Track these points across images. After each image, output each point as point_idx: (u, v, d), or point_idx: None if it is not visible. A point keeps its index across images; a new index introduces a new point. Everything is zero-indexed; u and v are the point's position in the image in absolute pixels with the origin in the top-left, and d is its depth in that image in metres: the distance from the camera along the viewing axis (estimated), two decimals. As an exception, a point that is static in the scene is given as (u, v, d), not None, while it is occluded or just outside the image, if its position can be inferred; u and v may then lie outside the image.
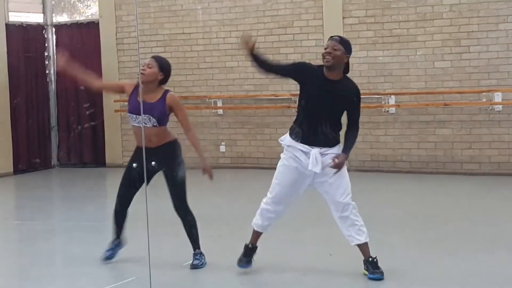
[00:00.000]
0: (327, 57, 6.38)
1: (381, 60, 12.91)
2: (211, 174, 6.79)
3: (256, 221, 6.67)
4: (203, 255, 6.93)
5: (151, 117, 6.73)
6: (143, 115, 6.66)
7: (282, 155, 6.53)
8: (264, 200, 6.58)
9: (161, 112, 6.77)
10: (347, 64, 6.44)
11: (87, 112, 15.23)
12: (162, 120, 6.80)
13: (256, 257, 6.73)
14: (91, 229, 9.05)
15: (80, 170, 15.03)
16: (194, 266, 6.87)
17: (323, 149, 6.31)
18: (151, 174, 6.81)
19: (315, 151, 6.27)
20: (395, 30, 12.80)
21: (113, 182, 14.03)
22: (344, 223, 6.40)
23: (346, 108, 6.40)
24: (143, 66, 6.81)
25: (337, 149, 6.36)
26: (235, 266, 6.77)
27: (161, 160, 6.75)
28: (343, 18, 13.12)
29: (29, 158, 14.98)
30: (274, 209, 6.52)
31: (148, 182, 6.55)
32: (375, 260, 6.41)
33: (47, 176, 14.71)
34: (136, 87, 6.86)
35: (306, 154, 6.31)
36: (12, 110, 14.53)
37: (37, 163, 15.12)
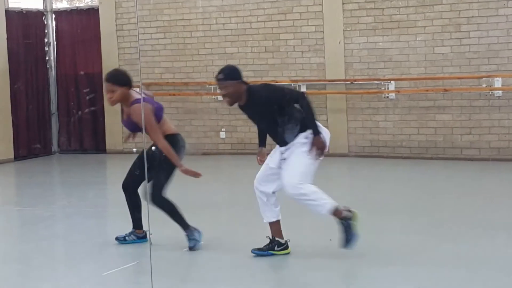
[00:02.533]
0: (225, 101, 6.58)
1: (381, 46, 12.90)
2: (195, 174, 6.78)
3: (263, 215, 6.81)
4: (195, 232, 6.97)
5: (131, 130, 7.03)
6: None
7: None
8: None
9: (134, 127, 6.91)
10: (242, 84, 6.50)
11: (87, 98, 15.23)
12: (140, 128, 6.79)
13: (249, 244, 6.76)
14: (91, 215, 9.07)
15: (81, 156, 15.05)
16: (191, 249, 6.94)
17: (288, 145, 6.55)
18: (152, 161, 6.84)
19: (278, 148, 6.62)
20: (395, 15, 12.79)
21: (113, 168, 14.11)
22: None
23: (271, 110, 6.46)
24: (107, 94, 6.83)
25: (298, 139, 6.50)
26: (234, 250, 6.86)
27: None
28: (343, 3, 13.10)
29: (30, 144, 14.99)
30: (258, 190, 6.68)
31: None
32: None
33: (47, 162, 14.73)
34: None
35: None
36: (12, 97, 14.53)
37: (37, 149, 15.14)
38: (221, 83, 6.47)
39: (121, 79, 6.79)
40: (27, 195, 11.04)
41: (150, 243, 6.44)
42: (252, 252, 6.69)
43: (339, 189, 9.84)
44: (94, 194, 10.69)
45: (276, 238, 6.72)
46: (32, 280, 6.42)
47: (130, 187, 7.21)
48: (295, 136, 6.47)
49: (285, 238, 6.75)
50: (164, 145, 6.72)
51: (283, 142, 6.53)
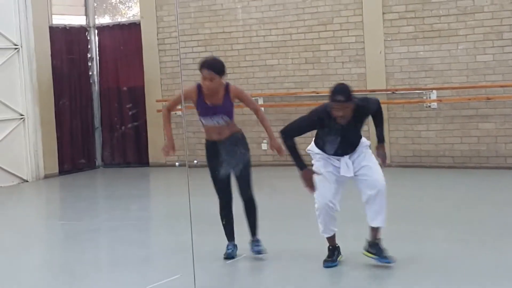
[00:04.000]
0: (340, 119, 6.51)
1: (422, 55, 12.83)
2: (279, 150, 6.98)
3: (321, 229, 6.85)
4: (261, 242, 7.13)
5: (223, 116, 7.02)
6: (215, 116, 7.01)
7: (313, 162, 6.87)
8: (316, 206, 6.76)
9: (229, 109, 7.06)
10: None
11: (130, 113, 15.39)
12: (231, 114, 7.09)
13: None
14: (135, 228, 9.15)
15: (124, 170, 15.18)
16: (257, 252, 7.05)
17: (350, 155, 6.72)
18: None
19: (345, 158, 6.68)
20: (436, 24, 12.72)
21: (156, 181, 14.23)
22: (372, 204, 6.64)
23: (363, 122, 6.76)
24: (207, 84, 6.90)
25: (361, 144, 6.74)
26: (273, 261, 6.94)
27: (229, 148, 7.04)
28: (383, 13, 13.07)
29: (74, 159, 15.17)
30: (332, 205, 6.71)
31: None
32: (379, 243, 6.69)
33: (91, 176, 14.89)
34: (199, 90, 7.00)
35: (338, 159, 6.73)
36: (57, 112, 14.74)
37: (81, 163, 15.32)
38: (342, 105, 6.42)
39: (219, 68, 6.96)
40: (71, 209, 11.17)
41: (193, 256, 6.48)
42: (325, 266, 6.76)
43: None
44: (137, 207, 10.77)
45: (337, 245, 6.91)
46: (77, 292, 6.50)
47: (229, 206, 7.26)
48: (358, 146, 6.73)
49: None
50: (264, 115, 7.25)
51: (350, 150, 6.69)
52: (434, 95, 12.66)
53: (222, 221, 7.26)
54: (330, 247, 6.89)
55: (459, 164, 12.65)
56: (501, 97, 12.22)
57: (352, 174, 6.64)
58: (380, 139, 6.80)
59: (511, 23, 12.18)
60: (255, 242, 7.16)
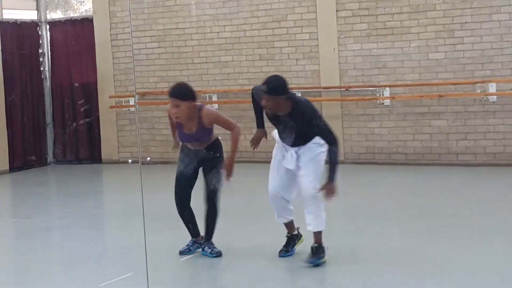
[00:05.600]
0: (266, 109, 6.60)
1: (375, 53, 12.92)
2: (229, 173, 7.00)
3: (276, 216, 6.92)
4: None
5: (201, 140, 6.97)
6: (193, 141, 7.00)
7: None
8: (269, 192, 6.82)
9: (205, 134, 6.96)
10: (288, 96, 6.52)
11: (82, 109, 15.23)
12: (208, 138, 7.00)
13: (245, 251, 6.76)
14: (88, 226, 9.06)
15: (76, 166, 15.03)
16: (217, 254, 7.04)
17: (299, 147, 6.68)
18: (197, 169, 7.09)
19: (292, 150, 6.67)
20: (389, 22, 12.81)
21: (109, 178, 14.10)
22: (307, 208, 6.65)
23: (306, 129, 6.58)
24: (173, 111, 6.82)
25: (311, 144, 6.66)
26: (227, 258, 6.92)
27: (204, 155, 7.02)
28: (337, 11, 13.12)
29: (25, 155, 14.97)
30: (279, 195, 6.76)
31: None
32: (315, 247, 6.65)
33: (43, 173, 14.70)
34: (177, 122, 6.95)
35: (287, 149, 6.72)
36: (7, 108, 14.52)
37: (32, 160, 15.11)
38: (264, 97, 6.46)
39: (187, 94, 6.82)
40: (23, 206, 11.02)
41: (146, 254, 6.43)
42: (280, 256, 6.83)
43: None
44: (90, 205, 10.66)
45: (294, 233, 6.94)
46: (29, 291, 6.41)
47: (186, 208, 7.19)
48: (307, 142, 6.66)
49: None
50: (238, 133, 6.97)
51: (296, 143, 6.65)
52: (387, 92, 12.75)
53: (184, 220, 7.20)
54: (288, 235, 6.93)
55: (411, 160, 12.77)
56: (453, 95, 12.36)
57: (292, 167, 6.63)
58: (329, 177, 6.45)
59: (462, 21, 12.32)
60: (209, 244, 7.12)
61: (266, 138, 6.95)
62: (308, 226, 6.65)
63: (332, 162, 6.46)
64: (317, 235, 6.64)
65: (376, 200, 9.82)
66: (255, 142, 6.92)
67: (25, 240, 8.53)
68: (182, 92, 6.84)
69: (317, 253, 6.59)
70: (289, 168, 6.66)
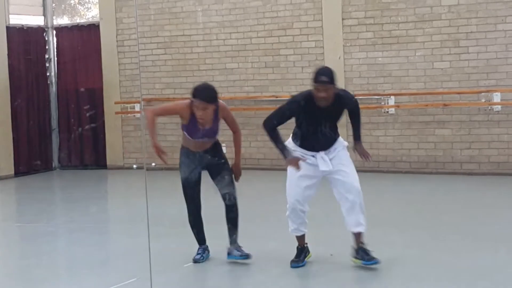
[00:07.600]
0: (322, 101, 6.51)
1: (381, 61, 12.95)
2: (238, 176, 7.19)
3: (291, 228, 6.92)
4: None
5: (212, 136, 7.03)
6: (204, 136, 6.99)
7: None
8: (287, 205, 6.81)
9: (217, 129, 7.04)
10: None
11: (88, 114, 15.26)
12: (218, 133, 7.08)
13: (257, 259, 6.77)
14: (93, 231, 9.08)
15: (81, 172, 15.06)
16: (247, 256, 6.99)
17: (328, 150, 6.74)
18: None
19: (321, 153, 6.67)
20: (394, 31, 12.84)
21: (114, 183, 14.13)
22: (353, 210, 6.65)
23: (341, 114, 6.80)
24: (200, 114, 6.81)
25: (338, 143, 6.81)
26: (237, 266, 6.87)
27: (208, 158, 7.07)
28: (343, 19, 13.16)
29: (30, 160, 15.00)
30: (300, 205, 6.77)
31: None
32: (365, 248, 6.71)
33: (48, 178, 14.73)
34: (192, 112, 6.89)
35: (313, 155, 6.69)
36: (13, 113, 14.57)
37: (38, 165, 15.14)
38: (326, 86, 6.44)
39: (212, 96, 6.89)
40: (28, 211, 11.04)
41: (150, 259, 6.45)
42: (292, 266, 6.81)
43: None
44: (95, 210, 10.68)
45: (305, 245, 6.96)
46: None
47: (199, 214, 7.21)
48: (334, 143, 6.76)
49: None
50: (240, 137, 7.30)
51: (327, 146, 6.71)
52: (392, 100, 12.77)
53: (192, 227, 7.19)
54: (299, 246, 6.94)
55: (416, 169, 12.77)
56: (458, 104, 12.37)
57: (331, 168, 6.61)
58: (357, 137, 6.93)
59: (468, 31, 12.35)
60: (238, 248, 7.07)
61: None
62: (360, 226, 6.68)
63: (359, 123, 6.92)
64: (363, 235, 6.72)
65: (380, 208, 9.81)
66: (297, 167, 6.55)
67: (29, 245, 8.55)
68: (211, 96, 6.88)
69: (369, 253, 6.65)
70: (326, 171, 6.63)
